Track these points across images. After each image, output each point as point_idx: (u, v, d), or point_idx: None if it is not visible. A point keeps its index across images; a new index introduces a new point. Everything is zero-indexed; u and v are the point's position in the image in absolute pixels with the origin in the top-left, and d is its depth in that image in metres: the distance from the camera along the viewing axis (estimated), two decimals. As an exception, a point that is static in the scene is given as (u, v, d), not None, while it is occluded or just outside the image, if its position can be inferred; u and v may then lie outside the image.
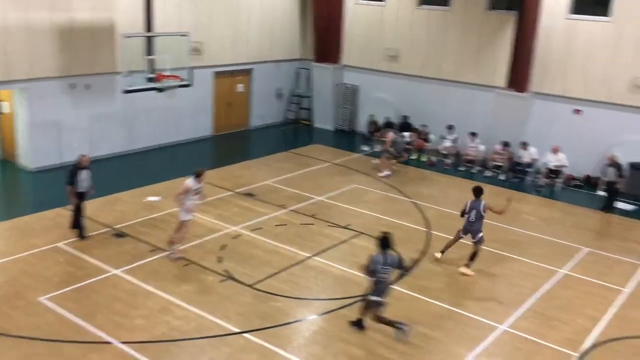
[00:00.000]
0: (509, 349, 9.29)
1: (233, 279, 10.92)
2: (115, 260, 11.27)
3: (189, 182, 11.08)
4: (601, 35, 17.27)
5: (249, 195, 15.21)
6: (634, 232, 14.34)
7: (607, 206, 15.52)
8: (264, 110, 22.77)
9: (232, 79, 21.48)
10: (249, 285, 10.70)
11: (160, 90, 15.26)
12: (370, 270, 8.99)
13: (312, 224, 13.64)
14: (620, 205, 15.93)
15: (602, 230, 14.55)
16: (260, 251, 12.12)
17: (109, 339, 8.91)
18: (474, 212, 11.54)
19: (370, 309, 9.16)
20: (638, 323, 10.20)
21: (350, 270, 11.45)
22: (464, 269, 11.65)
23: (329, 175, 17.37)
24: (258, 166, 17.81)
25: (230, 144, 20.67)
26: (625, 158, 16.57)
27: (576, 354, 9.15)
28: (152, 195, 14.64)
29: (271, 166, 17.83)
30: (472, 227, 11.61)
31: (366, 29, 21.82)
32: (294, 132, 22.84)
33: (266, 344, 8.99)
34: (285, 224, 13.52)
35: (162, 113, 18.75)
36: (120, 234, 12.44)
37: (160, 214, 13.62)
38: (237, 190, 15.47)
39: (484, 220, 11.66)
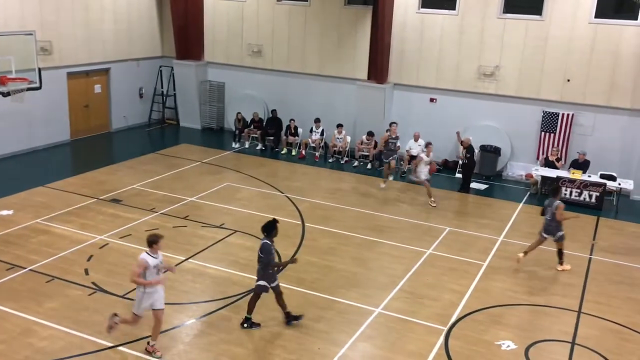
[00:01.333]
0: (385, 329, 9.71)
1: (103, 290, 10.36)
2: (-34, 284, 10.24)
3: (144, 257, 8.42)
4: (449, 28, 18.50)
5: (115, 201, 14.49)
6: (487, 210, 15.58)
7: (463, 187, 16.78)
8: (126, 111, 21.78)
9: (88, 79, 20.29)
10: (121, 296, 10.21)
11: (5, 94, 14.04)
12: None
13: (185, 226, 13.30)
14: (474, 185, 17.27)
15: (460, 210, 15.65)
16: (131, 259, 11.52)
17: (-37, 371, 8.09)
18: (549, 211, 11.90)
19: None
20: (496, 293, 11.12)
21: (228, 270, 11.33)
22: (559, 267, 12.12)
23: (199, 174, 17.02)
24: (123, 170, 17.01)
25: (91, 148, 19.53)
26: (476, 141, 17.95)
27: (445, 328, 9.78)
28: (3, 209, 13.45)
29: (137, 169, 17.11)
30: (549, 227, 11.94)
31: (228, 25, 21.61)
32: (160, 133, 22.10)
33: (144, 356, 8.64)
34: (157, 228, 13.00)
35: (10, 119, 17.24)
36: (-31, 255, 11.30)
37: (15, 228, 12.56)
38: (102, 197, 14.67)
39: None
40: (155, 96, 22.76)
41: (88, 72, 20.12)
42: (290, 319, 9.61)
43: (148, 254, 8.43)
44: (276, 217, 9.55)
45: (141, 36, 21.93)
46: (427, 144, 16.17)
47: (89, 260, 11.45)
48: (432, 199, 15.47)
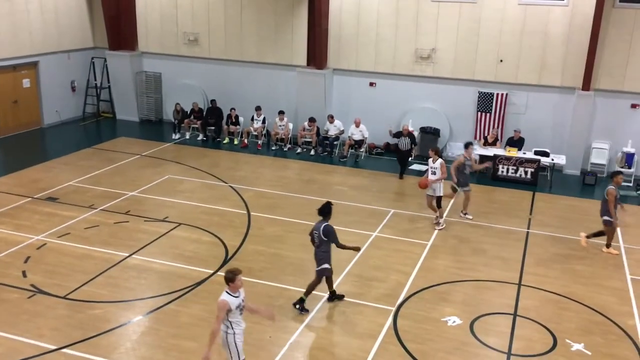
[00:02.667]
0: (334, 313, 9.81)
1: (42, 292, 10.00)
2: None
3: (224, 298, 7.13)
4: (385, 11, 18.63)
5: (51, 199, 13.97)
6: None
7: (401, 172, 16.87)
8: (58, 106, 20.95)
9: (15, 73, 19.38)
10: (63, 297, 9.88)
11: None
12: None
13: (127, 222, 12.98)
14: (414, 166, 17.59)
15: (402, 192, 15.90)
16: (71, 258, 11.23)
17: None
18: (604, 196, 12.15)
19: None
20: (441, 271, 11.40)
21: (173, 264, 11.14)
22: (606, 249, 12.34)
23: (139, 168, 16.60)
24: (59, 167, 16.41)
25: (23, 145, 18.71)
26: (416, 124, 18.27)
27: (393, 308, 9.96)
28: None
29: (74, 165, 16.54)
30: (601, 209, 12.26)
31: (161, 14, 21.05)
32: (96, 127, 21.40)
33: (89, 356, 8.41)
34: (97, 225, 12.68)
35: None
36: None
37: (-56, 233, 11.94)
38: (37, 196, 14.11)
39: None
40: (88, 89, 21.99)
41: (15, 66, 19.21)
42: (334, 297, 10.01)
43: (228, 293, 7.16)
44: (330, 200, 10.07)
45: (71, 27, 21.08)
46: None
47: (26, 262, 11.02)
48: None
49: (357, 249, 10.31)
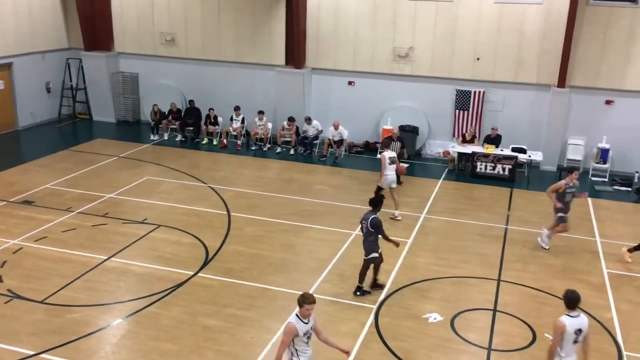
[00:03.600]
0: (316, 313, 9.73)
1: (19, 297, 9.83)
2: None
3: (293, 322, 6.75)
4: (363, 10, 18.66)
5: (27, 202, 13.75)
6: (409, 188, 15.97)
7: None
8: (33, 108, 20.62)
9: (-12, 75, 19.08)
10: (40, 302, 9.73)
11: None
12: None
13: (105, 224, 12.83)
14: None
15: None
16: (48, 262, 11.06)
17: None
18: None
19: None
20: (422, 268, 11.46)
21: (153, 266, 11.04)
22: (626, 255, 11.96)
23: (117, 170, 16.42)
24: (35, 169, 16.16)
25: (-3, 148, 18.42)
26: (395, 122, 18.36)
27: (375, 306, 9.99)
28: None
29: (51, 167, 16.30)
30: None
31: (138, 14, 20.84)
32: (72, 128, 21.12)
33: (67, 361, 8.30)
34: (75, 228, 12.52)
35: None
36: None
37: None
38: (12, 199, 13.88)
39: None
40: (64, 90, 21.69)
41: (-12, 67, 18.93)
42: (377, 286, 10.40)
43: (298, 317, 6.77)
44: (382, 193, 10.72)
45: (45, 27, 20.76)
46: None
47: (2, 266, 10.83)
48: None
49: (397, 245, 10.50)
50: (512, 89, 17.93)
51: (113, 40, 21.30)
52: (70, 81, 21.72)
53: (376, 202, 10.13)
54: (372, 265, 10.25)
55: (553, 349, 6.97)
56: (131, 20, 20.98)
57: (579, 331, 6.91)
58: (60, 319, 9.29)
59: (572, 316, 6.91)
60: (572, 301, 6.93)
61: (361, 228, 10.24)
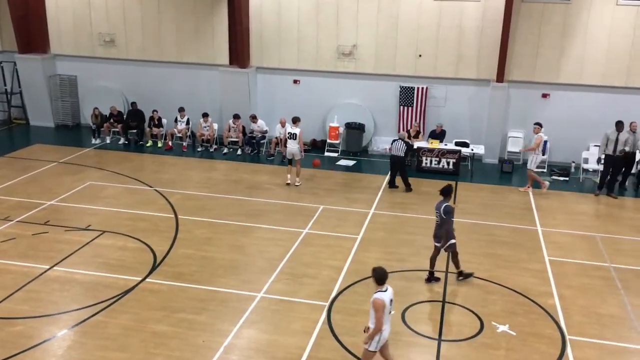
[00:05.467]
0: (268, 313, 9.76)
1: (-44, 313, 9.39)
2: None
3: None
4: (306, 8, 18.68)
5: (-38, 213, 13.14)
6: (356, 184, 16.12)
7: (391, 181, 15.88)
8: (-36, 113, 19.73)
9: None
10: (-21, 316, 9.32)
11: None
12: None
13: (47, 232, 12.39)
14: (342, 162, 17.80)
15: (331, 187, 16.01)
16: (-13, 274, 10.60)
17: None
18: None
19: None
20: (372, 263, 11.43)
21: (98, 273, 10.74)
22: None
23: (57, 175, 15.88)
24: (-32, 178, 15.45)
25: None
26: (341, 119, 18.47)
27: (327, 303, 10.03)
28: None
29: (-15, 176, 15.62)
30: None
31: (74, 14, 20.19)
32: (8, 134, 20.30)
33: (13, 375, 7.99)
34: (14, 238, 12.04)
35: None
36: None
37: None
38: (-55, 210, 13.24)
39: None
40: (-2, 95, 20.84)
41: None
42: (463, 276, 10.80)
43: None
44: (450, 183, 10.91)
45: (-26, 29, 19.88)
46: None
47: None
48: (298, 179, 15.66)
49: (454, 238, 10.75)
50: (454, 84, 18.34)
51: (49, 41, 20.56)
52: (5, 85, 20.85)
53: (446, 191, 10.45)
54: (449, 254, 10.79)
55: (379, 325, 7.37)
56: (68, 21, 20.31)
57: (391, 302, 7.55)
58: (2, 332, 8.92)
59: (383, 291, 7.46)
60: (382, 277, 7.48)
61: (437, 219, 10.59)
